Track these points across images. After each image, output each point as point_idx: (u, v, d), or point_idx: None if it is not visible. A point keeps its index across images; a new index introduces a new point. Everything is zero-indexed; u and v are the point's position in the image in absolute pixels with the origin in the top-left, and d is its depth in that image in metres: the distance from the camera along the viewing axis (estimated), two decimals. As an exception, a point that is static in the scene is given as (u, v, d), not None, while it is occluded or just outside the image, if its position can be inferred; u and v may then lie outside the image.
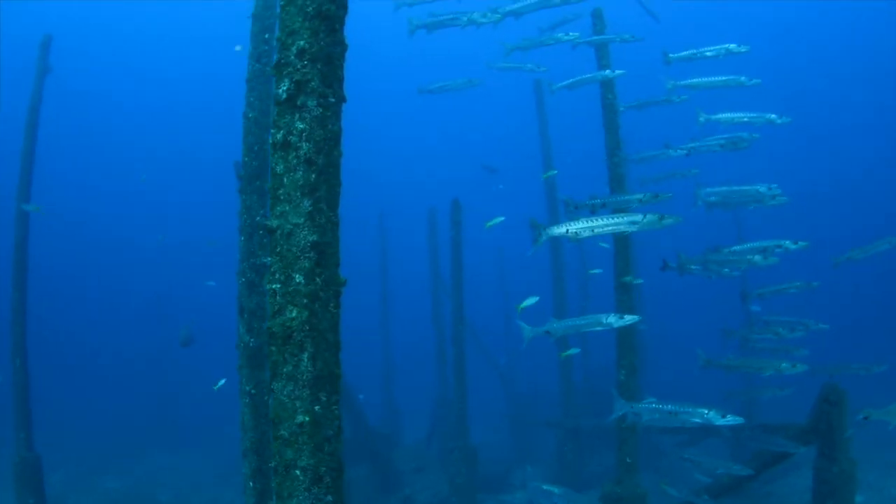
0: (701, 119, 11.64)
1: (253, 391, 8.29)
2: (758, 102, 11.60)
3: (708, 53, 11.92)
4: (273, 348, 4.28)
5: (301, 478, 4.22)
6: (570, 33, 12.51)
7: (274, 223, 4.33)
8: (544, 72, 14.79)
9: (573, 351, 13.84)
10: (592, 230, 8.55)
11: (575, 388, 18.62)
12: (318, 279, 4.27)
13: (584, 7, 12.71)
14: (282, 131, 4.32)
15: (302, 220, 4.24)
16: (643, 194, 9.58)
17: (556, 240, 18.54)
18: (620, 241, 10.89)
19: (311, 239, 4.24)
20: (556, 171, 17.04)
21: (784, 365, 10.57)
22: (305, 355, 4.23)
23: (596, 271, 11.01)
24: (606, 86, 11.54)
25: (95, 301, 52.93)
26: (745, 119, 11.57)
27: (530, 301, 11.26)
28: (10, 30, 52.09)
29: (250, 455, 8.22)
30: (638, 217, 8.59)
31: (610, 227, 8.62)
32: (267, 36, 8.75)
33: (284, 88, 4.32)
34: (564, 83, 12.48)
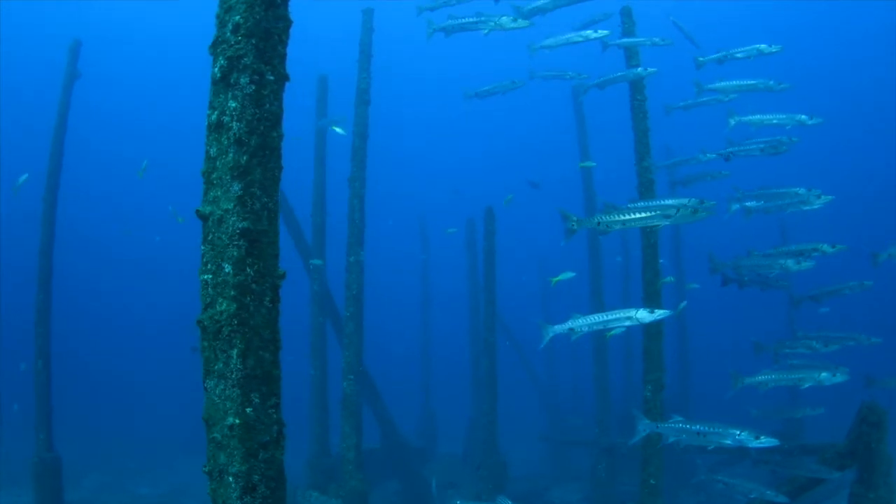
0: (731, 121, 11.03)
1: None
2: (795, 105, 10.94)
3: (738, 55, 11.37)
4: (204, 343, 4.01)
5: (233, 485, 3.91)
6: (600, 30, 11.98)
7: (206, 209, 4.03)
8: (586, 79, 14.35)
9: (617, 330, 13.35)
10: (624, 223, 8.41)
11: (614, 403, 17.94)
12: (248, 269, 3.96)
13: (614, 6, 12.22)
14: (216, 111, 4.08)
15: (232, 205, 3.93)
16: (688, 199, 9.21)
17: (596, 247, 18.10)
18: (650, 250, 10.35)
19: (240, 226, 3.94)
20: (594, 164, 16.50)
21: (824, 375, 9.83)
22: (235, 352, 3.93)
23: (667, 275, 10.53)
24: (636, 87, 10.98)
25: (128, 310, 53.81)
26: (776, 121, 10.94)
27: (566, 275, 10.80)
28: (24, 34, 53.36)
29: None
30: (671, 210, 8.27)
31: (642, 220, 8.42)
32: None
33: (218, 67, 4.06)
34: (595, 82, 12.04)
